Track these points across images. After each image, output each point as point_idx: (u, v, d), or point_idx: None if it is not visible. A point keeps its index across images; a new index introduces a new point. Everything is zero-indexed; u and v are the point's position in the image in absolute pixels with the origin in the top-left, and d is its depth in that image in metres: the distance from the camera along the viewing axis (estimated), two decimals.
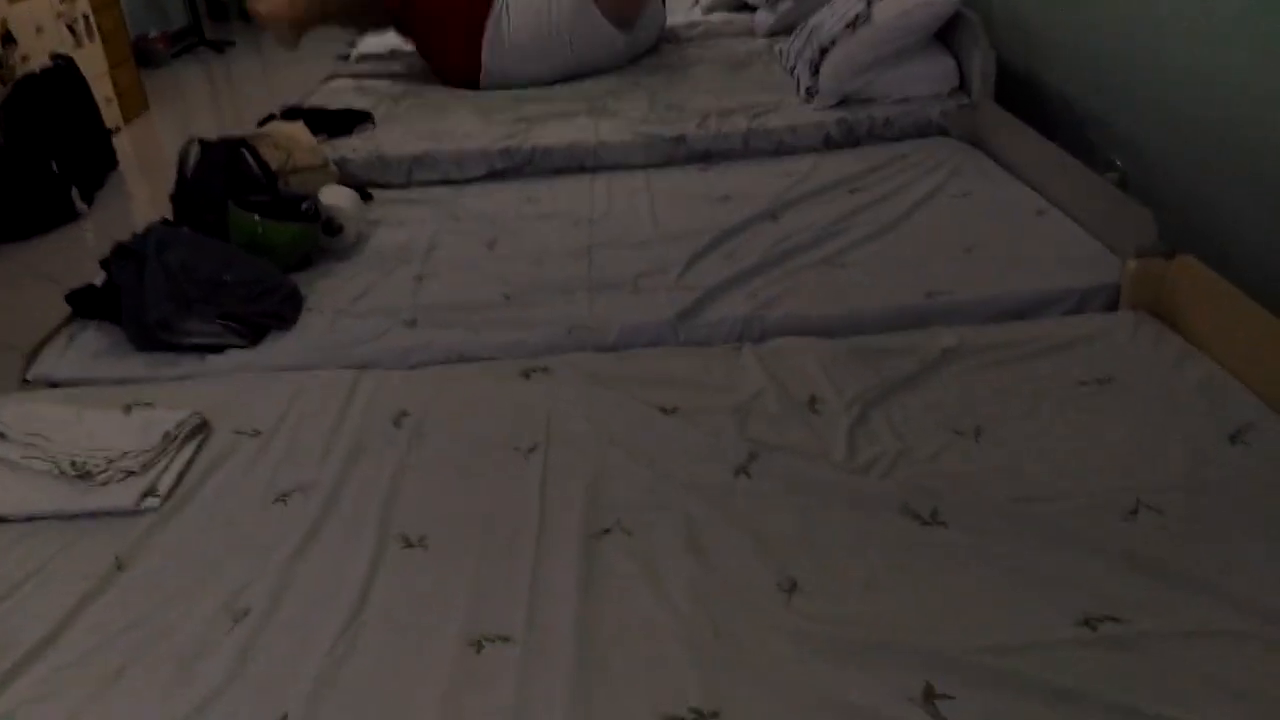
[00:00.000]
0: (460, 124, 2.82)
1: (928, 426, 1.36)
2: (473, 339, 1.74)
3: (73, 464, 1.33)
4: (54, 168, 3.69)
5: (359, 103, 3.03)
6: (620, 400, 1.47)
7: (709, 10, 3.95)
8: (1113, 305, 1.68)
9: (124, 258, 1.83)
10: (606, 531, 1.20)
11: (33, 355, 1.72)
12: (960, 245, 1.93)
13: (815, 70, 2.74)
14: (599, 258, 2.05)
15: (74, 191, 3.78)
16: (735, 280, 1.88)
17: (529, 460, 1.36)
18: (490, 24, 3.11)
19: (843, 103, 2.70)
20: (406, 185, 2.60)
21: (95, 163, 4.09)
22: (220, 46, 6.82)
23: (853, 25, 2.68)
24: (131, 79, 5.16)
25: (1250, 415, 1.31)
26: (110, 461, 1.34)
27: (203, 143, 2.22)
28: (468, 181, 2.60)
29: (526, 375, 1.58)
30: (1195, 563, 1.08)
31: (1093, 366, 1.46)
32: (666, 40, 3.63)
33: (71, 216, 3.75)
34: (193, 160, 2.19)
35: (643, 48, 3.40)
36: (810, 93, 2.74)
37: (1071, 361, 1.48)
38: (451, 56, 3.20)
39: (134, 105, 5.11)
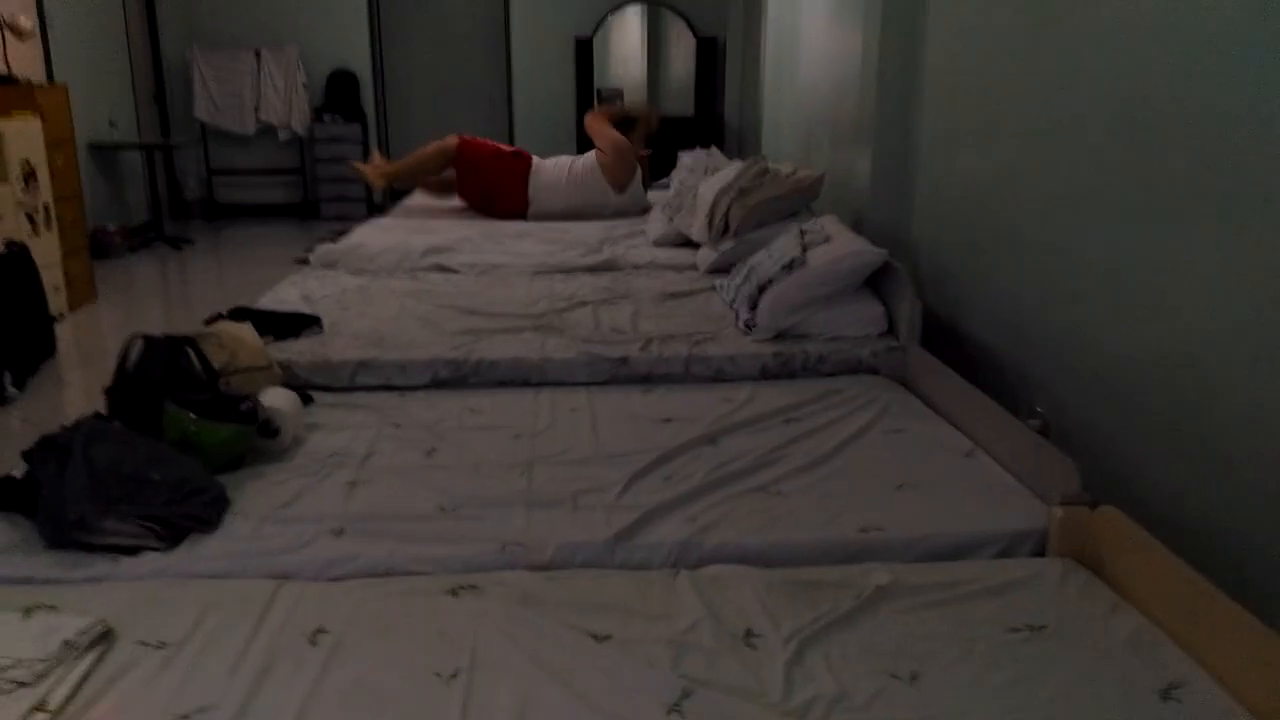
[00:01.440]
0: (406, 332, 2.87)
1: (864, 668, 1.34)
2: (401, 552, 1.70)
3: None
4: None
5: (308, 307, 3.09)
6: (551, 625, 1.43)
7: (657, 244, 4.18)
8: (1040, 550, 1.72)
9: (48, 450, 1.78)
10: None
11: None
12: (891, 482, 1.98)
13: (753, 306, 2.88)
14: (538, 472, 2.05)
15: (5, 376, 3.71)
16: (674, 503, 1.89)
17: (450, 687, 1.29)
18: (531, 175, 4.97)
19: (778, 337, 2.83)
20: (350, 390, 2.61)
21: (33, 348, 4.05)
22: (178, 244, 6.96)
23: (789, 267, 2.86)
24: (82, 269, 5.21)
25: (1180, 672, 1.31)
26: (1, 671, 1.24)
27: (147, 338, 2.22)
28: (411, 389, 2.62)
29: (454, 593, 1.53)
30: None
31: (1025, 613, 1.47)
32: (614, 268, 3.82)
33: (0, 401, 3.66)
34: (135, 355, 2.18)
35: (628, 209, 5.05)
36: (749, 326, 2.87)
37: (1004, 607, 1.49)
38: (507, 200, 4.94)
39: (82, 294, 5.14)
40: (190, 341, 2.24)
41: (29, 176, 4.55)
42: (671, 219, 4.23)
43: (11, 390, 3.73)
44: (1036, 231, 2.44)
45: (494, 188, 4.95)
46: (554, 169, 5.01)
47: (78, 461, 1.73)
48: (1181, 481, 1.87)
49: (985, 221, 2.75)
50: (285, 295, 3.27)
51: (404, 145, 8.73)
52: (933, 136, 3.15)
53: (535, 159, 5.04)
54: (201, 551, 1.68)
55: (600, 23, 7.93)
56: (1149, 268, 1.97)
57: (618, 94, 7.92)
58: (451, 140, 5.05)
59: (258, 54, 7.89)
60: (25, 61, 5.09)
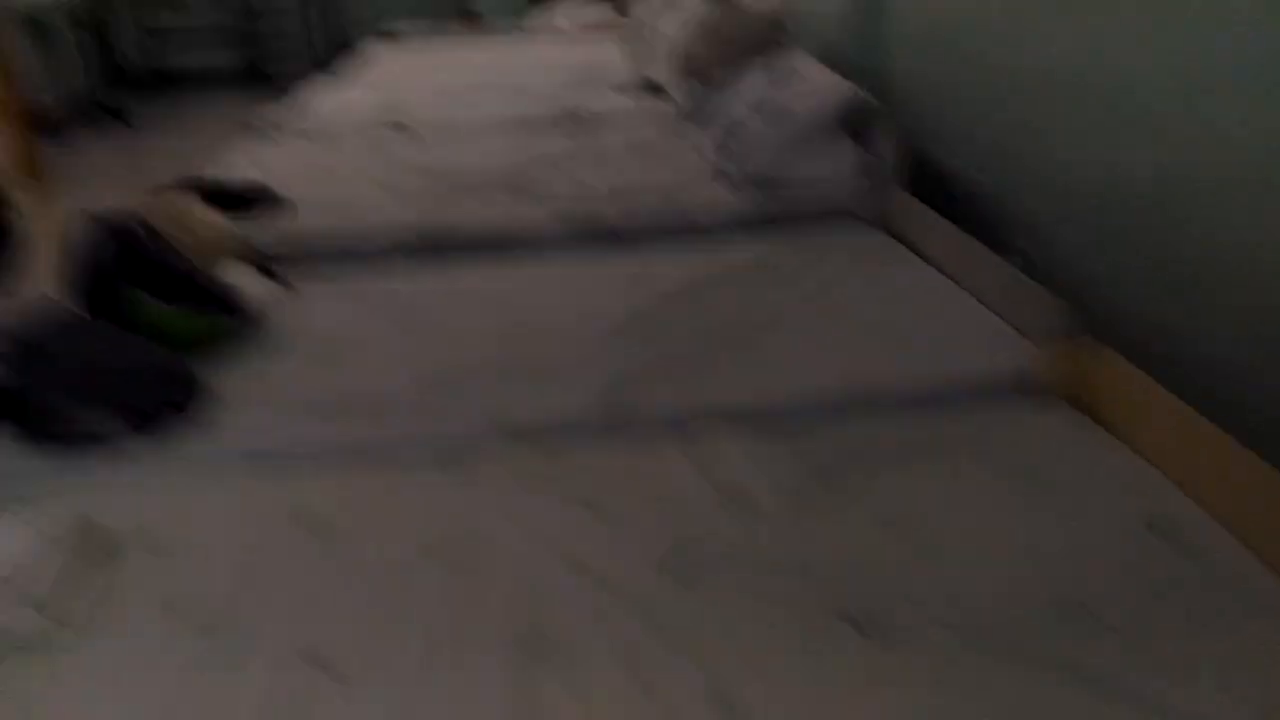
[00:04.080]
0: (370, 199, 2.77)
1: (858, 524, 1.34)
2: (385, 432, 1.67)
3: None
4: None
5: (263, 177, 2.95)
6: (545, 500, 1.42)
7: (619, 91, 4.01)
8: (1027, 390, 1.72)
9: (10, 343, 1.71)
10: (534, 650, 1.14)
11: None
12: (874, 329, 1.96)
13: (726, 153, 2.78)
14: (518, 342, 2.01)
15: None
16: (657, 366, 1.86)
17: (442, 564, 1.29)
18: None
19: (754, 185, 2.74)
20: (314, 262, 2.52)
21: None
22: (119, 114, 6.62)
23: (759, 110, 2.75)
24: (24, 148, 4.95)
25: (1170, 504, 1.33)
26: None
27: (94, 217, 2.10)
28: (379, 258, 2.54)
29: (444, 470, 1.52)
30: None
31: (1009, 455, 1.47)
32: (575, 120, 3.67)
33: None
34: (82, 237, 2.07)
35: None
36: (721, 174, 2.78)
37: (988, 450, 1.49)
38: None
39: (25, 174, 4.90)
40: (140, 219, 2.13)
41: None
42: (634, 61, 4.05)
43: None
44: (1006, 55, 2.33)
45: None
46: None
47: (43, 354, 1.67)
48: (1170, 319, 1.86)
49: (958, 50, 2.62)
50: (235, 164, 3.12)
51: None
52: None
53: None
54: (177, 440, 1.64)
55: None
56: (1128, 81, 1.89)
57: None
58: None
59: None
60: None
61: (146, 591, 1.25)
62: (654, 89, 3.87)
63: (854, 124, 2.79)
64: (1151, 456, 1.43)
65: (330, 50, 7.84)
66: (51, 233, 4.50)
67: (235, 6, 7.70)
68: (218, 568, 1.30)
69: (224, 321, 2.00)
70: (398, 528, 1.38)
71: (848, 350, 1.87)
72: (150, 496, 1.46)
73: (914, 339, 1.91)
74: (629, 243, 2.58)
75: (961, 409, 1.66)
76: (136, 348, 1.80)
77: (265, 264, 2.33)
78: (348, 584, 1.27)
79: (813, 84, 2.76)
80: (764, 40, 3.43)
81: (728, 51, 3.36)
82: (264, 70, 7.77)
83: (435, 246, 2.57)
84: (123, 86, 7.67)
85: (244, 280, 2.09)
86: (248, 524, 1.39)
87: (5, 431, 1.63)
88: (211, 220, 2.36)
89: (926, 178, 2.77)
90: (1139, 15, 1.87)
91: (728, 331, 1.99)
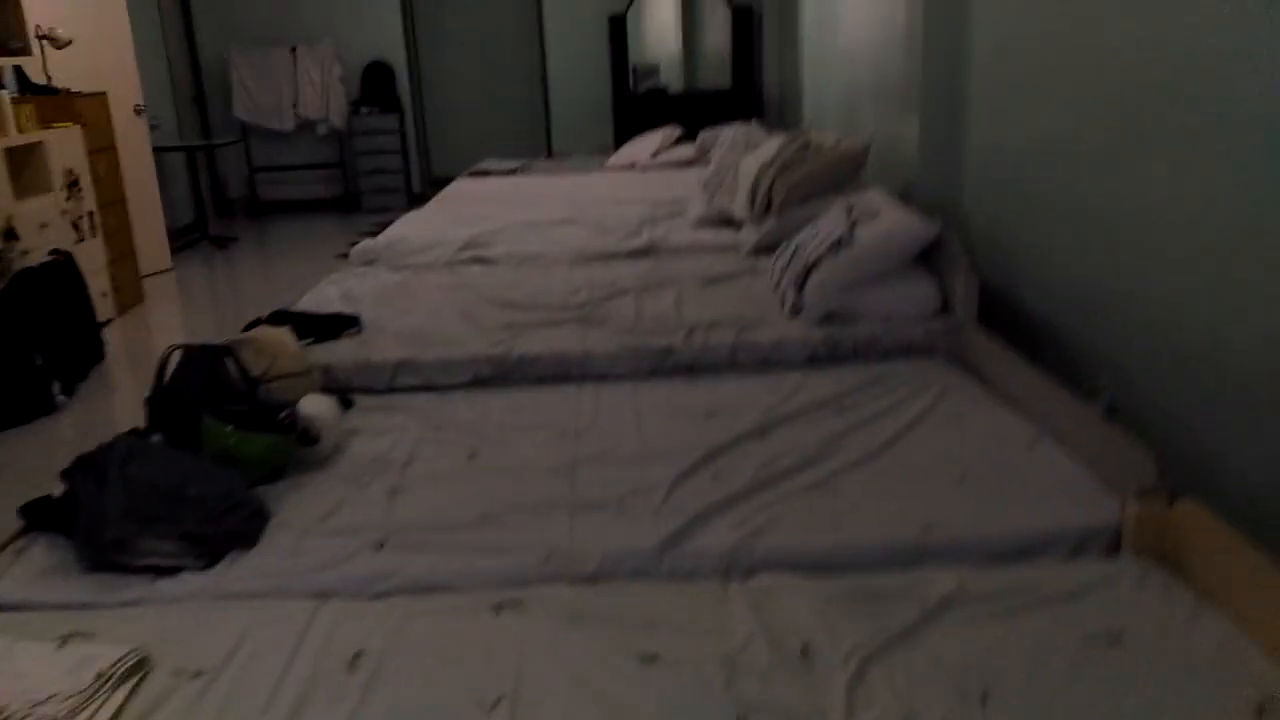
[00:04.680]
0: (446, 329, 2.83)
1: (930, 688, 1.25)
2: (443, 565, 1.64)
3: None
4: (37, 361, 3.67)
5: (348, 306, 3.06)
6: (597, 646, 1.37)
7: (698, 225, 4.08)
8: (1114, 548, 1.61)
9: (85, 469, 1.76)
10: None
11: None
12: (952, 475, 1.88)
13: (800, 288, 2.78)
14: (583, 474, 1.99)
15: (55, 385, 3.75)
16: (722, 505, 1.81)
17: (491, 716, 1.24)
18: None
19: (827, 319, 2.72)
20: (389, 391, 2.57)
21: (81, 355, 4.09)
22: (223, 242, 7.02)
23: (837, 246, 2.75)
24: (130, 273, 5.26)
25: (1275, 685, 1.21)
26: (34, 706, 1.21)
27: (185, 349, 2.19)
28: (451, 388, 2.57)
29: (497, 610, 1.48)
30: None
31: (1101, 621, 1.37)
32: (655, 252, 3.73)
33: (50, 409, 3.70)
34: (172, 366, 2.16)
35: None
36: (795, 309, 2.77)
37: (1078, 614, 1.39)
38: None
39: (129, 299, 5.19)
40: (228, 350, 2.21)
41: (72, 185, 4.59)
42: (712, 197, 4.13)
43: (61, 398, 3.77)
44: (1100, 196, 2.30)
45: None
46: None
47: (114, 480, 1.71)
48: (1268, 469, 1.74)
49: (1043, 188, 2.60)
50: (325, 295, 3.24)
51: (442, 132, 8.72)
52: (983, 99, 3.01)
53: None
54: (240, 570, 1.64)
55: None
56: (1226, 230, 1.84)
57: None
58: None
59: (293, 50, 7.89)
60: (64, 70, 5.12)
61: None
62: (731, 224, 3.93)
63: (931, 261, 2.78)
64: (1250, 627, 1.31)
65: (424, 183, 8.27)
66: (148, 353, 4.73)
67: (336, 143, 8.20)
68: (266, 704, 1.27)
69: (296, 447, 2.03)
70: (448, 670, 1.33)
71: (924, 497, 1.80)
72: (202, 628, 1.45)
73: (993, 487, 1.82)
74: (700, 375, 2.57)
75: (1045, 566, 1.56)
76: (206, 475, 1.83)
77: (344, 394, 2.38)
78: None
79: (891, 221, 2.76)
80: (842, 178, 3.48)
81: (806, 189, 3.41)
82: (359, 200, 8.19)
83: (508, 375, 2.60)
84: (227, 215, 8.16)
85: (321, 408, 2.13)
86: (299, 659, 1.36)
87: (69, 554, 1.65)
88: (299, 352, 2.44)
89: (1003, 316, 2.72)
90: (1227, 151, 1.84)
91: (798, 471, 1.94)
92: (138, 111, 5.87)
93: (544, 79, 8.19)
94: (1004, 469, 1.90)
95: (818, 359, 2.62)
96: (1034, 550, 1.63)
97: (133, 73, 5.81)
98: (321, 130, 8.08)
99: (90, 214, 4.75)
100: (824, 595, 1.47)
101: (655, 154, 6.03)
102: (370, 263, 3.80)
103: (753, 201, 3.60)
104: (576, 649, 1.36)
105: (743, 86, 7.43)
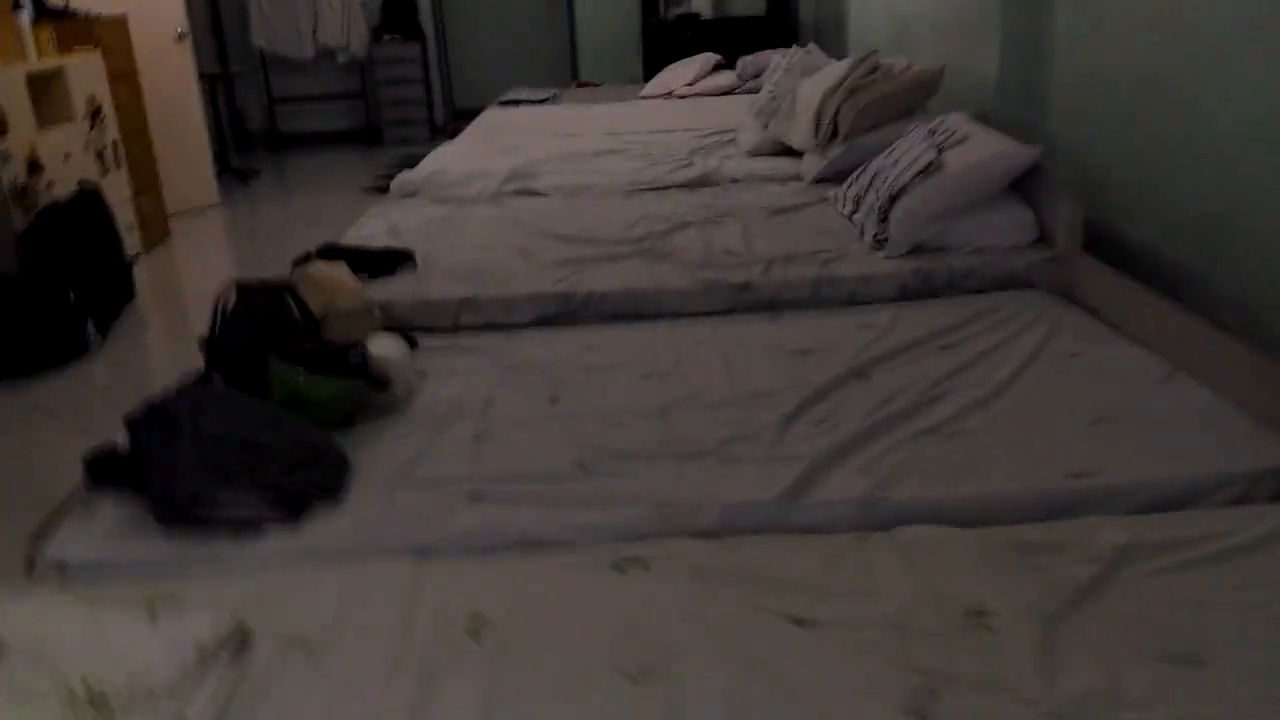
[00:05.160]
0: (504, 265, 2.66)
1: (1129, 650, 1.12)
2: (549, 519, 1.51)
3: (86, 689, 1.08)
4: (71, 298, 3.53)
5: (397, 241, 2.89)
6: (741, 608, 1.24)
7: (752, 154, 3.88)
8: None
9: (152, 420, 1.62)
10: None
11: (40, 533, 1.49)
12: (1086, 416, 1.73)
13: (884, 218, 2.60)
14: (677, 418, 1.85)
15: (89, 324, 3.61)
16: (839, 451, 1.67)
17: (642, 689, 1.11)
18: None
19: (915, 251, 2.55)
20: (454, 330, 2.42)
21: (113, 294, 3.94)
22: (245, 176, 6.82)
23: (924, 172, 2.57)
24: (156, 207, 5.08)
25: None
26: (136, 688, 1.09)
27: (241, 288, 2.04)
28: (515, 327, 2.42)
29: (620, 569, 1.35)
30: None
31: None
32: (711, 183, 3.54)
33: (83, 350, 3.56)
34: (231, 306, 2.00)
35: None
36: (879, 240, 2.60)
37: (1273, 564, 1.25)
38: None
39: (156, 234, 5.02)
40: (289, 288, 2.06)
41: (95, 114, 4.39)
42: (766, 125, 3.92)
43: (95, 337, 3.64)
44: (1226, 121, 2.10)
45: None
46: None
47: (186, 431, 1.57)
48: None
49: (1154, 116, 2.40)
50: (371, 228, 3.07)
51: (464, 63, 8.43)
52: (1072, 25, 2.78)
53: None
54: (331, 526, 1.51)
55: None
56: None
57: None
58: None
59: None
60: None
61: (314, 707, 1.11)
62: (789, 153, 3.73)
63: (1025, 189, 2.59)
64: None
65: (448, 115, 8.01)
66: (180, 291, 4.58)
67: (358, 73, 7.94)
68: (389, 678, 1.14)
69: (367, 389, 1.89)
70: (580, 637, 1.20)
71: (1060, 441, 1.65)
72: (300, 593, 1.32)
73: (1134, 429, 1.67)
74: (781, 311, 2.41)
75: (1221, 514, 1.41)
76: (281, 423, 1.69)
77: (407, 332, 2.23)
78: (522, 697, 1.11)
79: (982, 146, 2.57)
80: (914, 104, 3.27)
81: (875, 115, 3.20)
82: (381, 132, 7.96)
83: (575, 314, 2.44)
84: (247, 147, 7.94)
85: (390, 349, 1.99)
86: (416, 627, 1.23)
87: (140, 511, 1.53)
88: (357, 289, 2.29)
89: (1095, 249, 2.53)
90: None
91: (914, 414, 1.79)
92: (181, 38, 5.63)
93: (570, 5, 7.87)
94: (1142, 409, 1.75)
95: (909, 293, 2.45)
96: (1197, 497, 1.49)
97: None
98: (342, 59, 7.81)
99: (114, 144, 4.56)
100: (977, 549, 1.34)
101: (693, 82, 5.78)
102: (410, 194, 3.63)
103: (817, 128, 3.39)
104: (719, 611, 1.23)
105: (777, 13, 7.12)
